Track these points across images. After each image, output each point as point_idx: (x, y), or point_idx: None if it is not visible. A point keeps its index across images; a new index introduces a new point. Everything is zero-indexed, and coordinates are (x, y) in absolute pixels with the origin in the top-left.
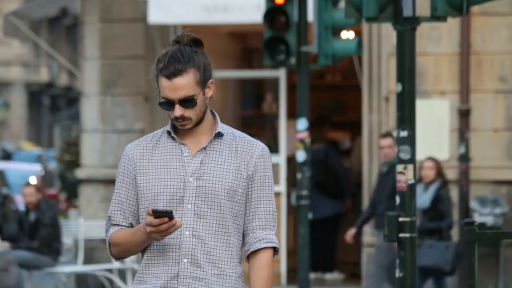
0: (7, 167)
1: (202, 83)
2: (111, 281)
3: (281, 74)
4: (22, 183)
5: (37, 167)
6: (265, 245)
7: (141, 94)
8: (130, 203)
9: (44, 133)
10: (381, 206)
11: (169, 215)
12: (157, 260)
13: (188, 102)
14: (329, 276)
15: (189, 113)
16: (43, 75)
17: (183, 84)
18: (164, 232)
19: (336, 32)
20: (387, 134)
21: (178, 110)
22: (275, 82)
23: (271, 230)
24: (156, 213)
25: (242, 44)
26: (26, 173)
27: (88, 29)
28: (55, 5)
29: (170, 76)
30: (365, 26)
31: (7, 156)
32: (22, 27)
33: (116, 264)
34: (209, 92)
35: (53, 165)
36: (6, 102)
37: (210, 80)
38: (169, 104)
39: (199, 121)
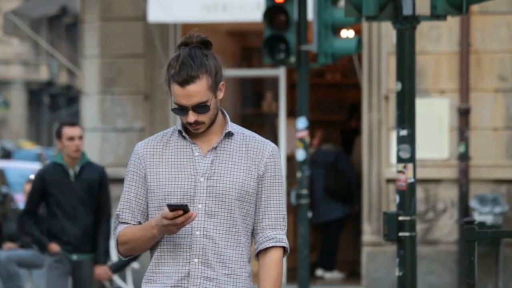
0: (7, 165)
1: (214, 87)
2: (111, 280)
3: (281, 72)
4: (22, 182)
5: (37, 166)
6: (274, 244)
7: (141, 92)
8: (139, 201)
9: (44, 132)
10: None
11: (184, 208)
12: (168, 259)
13: (201, 108)
14: (328, 275)
15: (202, 118)
16: (43, 74)
17: (196, 90)
18: (181, 225)
19: (336, 30)
20: (74, 123)
21: (192, 116)
22: (275, 81)
23: (281, 230)
24: (171, 207)
25: (242, 42)
26: (26, 172)
27: (88, 28)
28: (55, 4)
29: (182, 83)
30: (364, 25)
31: (7, 155)
32: (22, 25)
33: None
34: (221, 94)
35: None
36: (5, 100)
37: (222, 83)
38: (182, 110)
39: (212, 123)
